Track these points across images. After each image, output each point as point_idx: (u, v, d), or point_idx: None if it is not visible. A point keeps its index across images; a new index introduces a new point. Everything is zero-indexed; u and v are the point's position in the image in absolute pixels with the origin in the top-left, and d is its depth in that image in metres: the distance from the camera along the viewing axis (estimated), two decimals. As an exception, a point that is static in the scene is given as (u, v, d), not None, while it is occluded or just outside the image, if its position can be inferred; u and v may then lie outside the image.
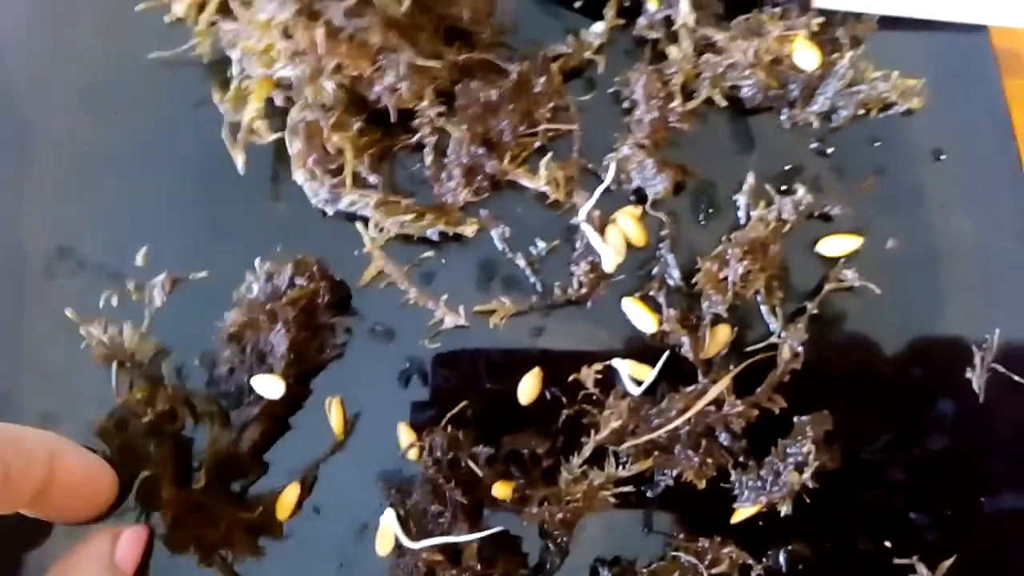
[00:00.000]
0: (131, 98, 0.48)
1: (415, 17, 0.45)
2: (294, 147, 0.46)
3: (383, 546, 0.43)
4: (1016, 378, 0.46)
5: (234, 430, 0.43)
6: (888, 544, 0.45)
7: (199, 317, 0.45)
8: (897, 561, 0.45)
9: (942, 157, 0.50)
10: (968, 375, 0.47)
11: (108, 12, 0.49)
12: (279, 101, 0.46)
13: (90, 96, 0.48)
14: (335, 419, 0.44)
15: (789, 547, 0.45)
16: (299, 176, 0.46)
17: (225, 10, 0.46)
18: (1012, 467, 0.46)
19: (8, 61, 0.48)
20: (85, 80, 0.48)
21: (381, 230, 0.46)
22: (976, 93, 0.50)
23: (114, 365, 0.43)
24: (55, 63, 0.48)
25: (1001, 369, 0.47)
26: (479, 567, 0.41)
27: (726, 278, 0.46)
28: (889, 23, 0.50)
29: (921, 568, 0.44)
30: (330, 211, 0.47)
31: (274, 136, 0.46)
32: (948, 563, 0.44)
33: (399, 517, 0.42)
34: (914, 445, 0.46)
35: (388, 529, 0.42)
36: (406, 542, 0.41)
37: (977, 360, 0.47)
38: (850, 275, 0.47)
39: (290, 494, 0.43)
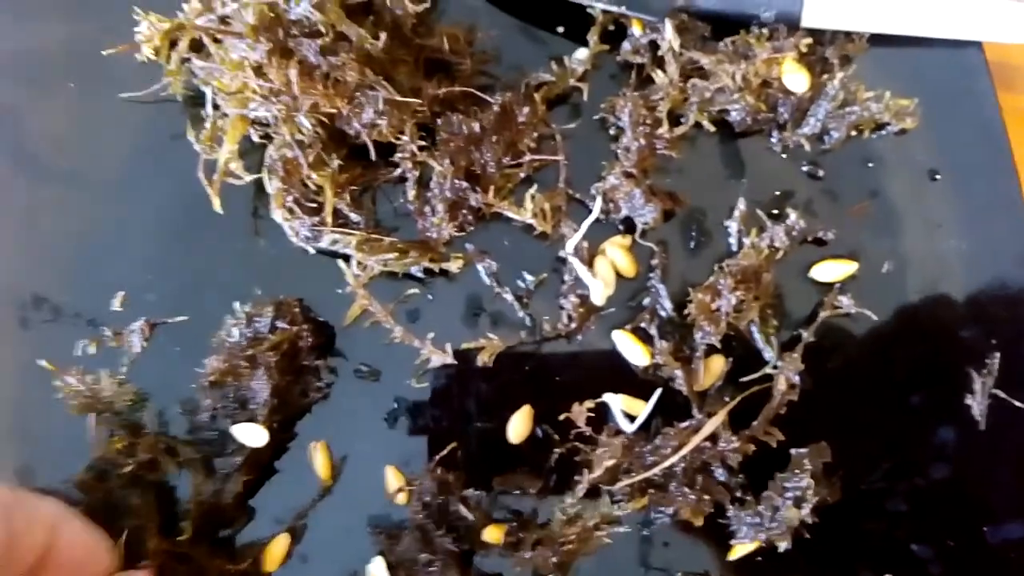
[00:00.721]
0: (105, 138, 0.47)
1: (393, 51, 0.44)
2: (273, 186, 0.44)
3: (372, 596, 0.42)
4: (1017, 404, 0.46)
5: (218, 479, 0.42)
6: (890, 577, 0.44)
7: (179, 362, 0.44)
8: (899, 594, 0.44)
9: (937, 177, 0.49)
10: (968, 401, 0.46)
11: (80, 52, 0.47)
12: (256, 137, 0.45)
13: (64, 138, 0.47)
14: (320, 464, 0.43)
15: (790, 583, 0.44)
16: (278, 215, 0.45)
17: (198, 47, 0.45)
18: (1015, 495, 0.45)
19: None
20: (58, 122, 0.47)
21: (364, 268, 0.45)
22: (971, 110, 0.49)
23: (91, 416, 0.42)
24: (28, 104, 0.47)
25: (1002, 395, 0.46)
26: (471, 618, 0.40)
27: (719, 308, 0.45)
28: (880, 41, 0.49)
29: (924, 601, 0.44)
30: (311, 250, 0.46)
31: (251, 177, 0.44)
32: (951, 596, 0.43)
33: (388, 565, 0.41)
34: (915, 474, 0.45)
35: (378, 577, 0.41)
36: (396, 593, 0.40)
37: (977, 386, 0.46)
38: (846, 301, 0.46)
39: (278, 544, 0.42)
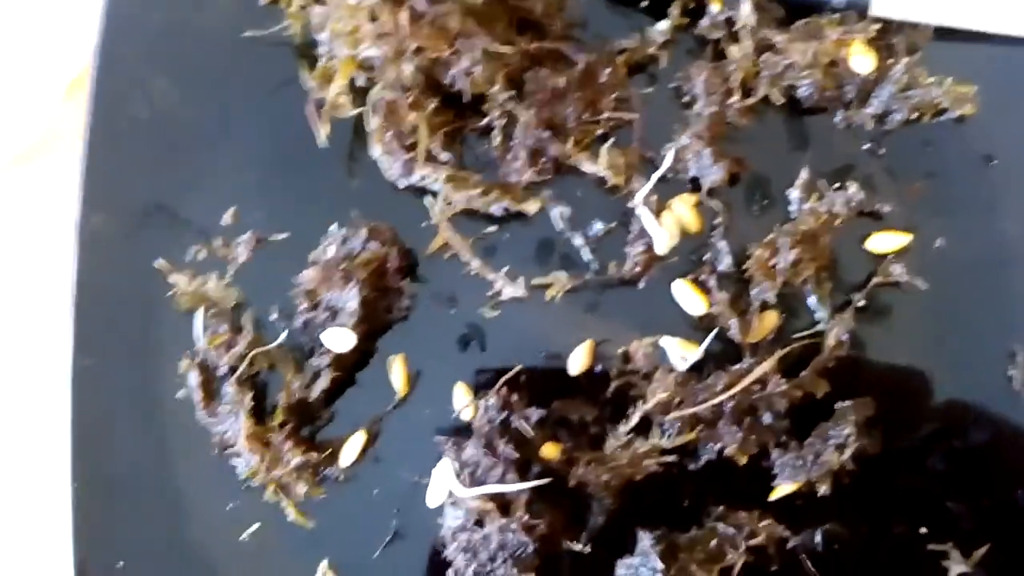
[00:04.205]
0: (226, 73, 0.52)
1: (491, 7, 0.48)
2: (373, 123, 0.49)
3: (435, 497, 0.46)
4: (1058, 378, 0.48)
5: (306, 377, 0.46)
6: (924, 530, 0.46)
7: (278, 274, 0.49)
8: (932, 547, 0.46)
9: (993, 163, 0.51)
10: (1010, 372, 0.48)
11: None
12: (360, 82, 0.50)
13: (190, 69, 0.52)
14: (398, 375, 0.47)
15: (826, 526, 0.46)
16: (377, 150, 0.49)
17: (315, -2, 0.50)
18: (1050, 463, 0.47)
19: (119, 36, 0.52)
20: (187, 54, 0.52)
21: (449, 204, 0.49)
22: (1029, 103, 0.52)
23: (199, 311, 0.47)
24: (160, 39, 0.53)
25: (1043, 367, 0.48)
26: (527, 518, 0.43)
27: (776, 265, 0.48)
28: (945, 33, 0.52)
29: (955, 555, 0.46)
30: (402, 185, 0.50)
31: (355, 111, 0.49)
32: (982, 551, 0.45)
33: (453, 468, 0.45)
34: (954, 437, 0.47)
35: (441, 480, 0.45)
36: (458, 490, 0.44)
37: (1019, 358, 0.48)
38: (898, 271, 0.49)
39: (355, 442, 0.46)
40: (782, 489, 0.46)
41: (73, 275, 0.49)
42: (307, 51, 0.52)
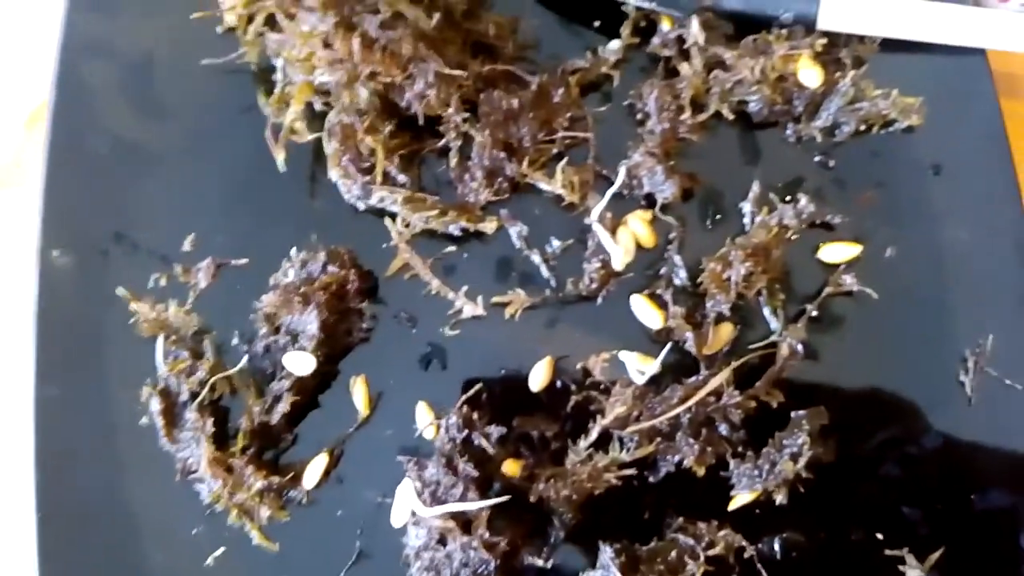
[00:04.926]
0: (185, 100, 0.53)
1: (444, 31, 0.49)
2: (330, 147, 0.50)
3: (399, 517, 0.46)
4: (1007, 382, 0.49)
5: (268, 401, 0.47)
6: (880, 536, 0.47)
7: (239, 299, 0.49)
8: (888, 552, 0.47)
9: (941, 172, 0.52)
10: (961, 378, 0.49)
11: (169, 23, 0.54)
12: (318, 106, 0.51)
13: (148, 98, 0.53)
14: (360, 396, 0.48)
15: (784, 535, 0.47)
16: (334, 174, 0.50)
17: (271, 22, 0.51)
18: (1001, 466, 0.48)
19: (77, 67, 0.53)
20: (145, 83, 0.53)
21: (407, 225, 0.50)
22: (974, 112, 0.53)
23: (160, 337, 0.47)
24: (122, 69, 0.53)
25: (993, 373, 0.49)
26: (487, 535, 0.44)
27: (729, 278, 0.49)
28: (891, 45, 0.53)
29: (911, 560, 0.46)
30: (361, 207, 0.51)
31: (312, 136, 0.50)
32: (936, 555, 0.46)
33: (415, 488, 0.45)
34: (908, 443, 0.48)
35: (405, 499, 0.46)
36: (420, 509, 0.44)
37: (970, 364, 0.49)
38: (849, 280, 0.50)
39: (317, 464, 0.47)
40: (740, 499, 0.47)
41: (34, 305, 0.49)
42: (264, 77, 0.53)
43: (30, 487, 0.47)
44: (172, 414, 0.47)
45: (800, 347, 0.49)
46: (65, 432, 0.48)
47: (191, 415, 0.46)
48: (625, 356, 0.49)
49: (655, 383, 0.48)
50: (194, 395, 0.47)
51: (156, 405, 0.47)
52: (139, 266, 0.50)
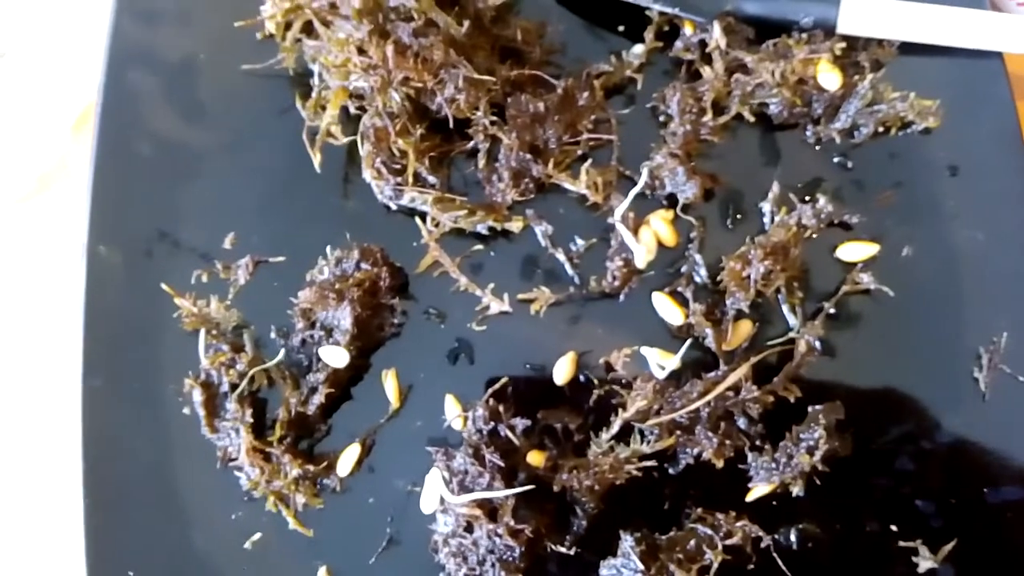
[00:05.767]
0: (226, 105, 0.55)
1: (473, 37, 0.51)
2: (364, 149, 0.52)
3: (428, 505, 0.48)
4: (1021, 379, 0.50)
5: (303, 393, 0.49)
6: (894, 528, 0.48)
7: (276, 296, 0.51)
8: (902, 544, 0.48)
9: (957, 173, 0.53)
10: (976, 375, 0.50)
11: (210, 27, 0.56)
12: (352, 109, 0.53)
13: (191, 102, 0.55)
14: (391, 389, 0.50)
15: (800, 526, 0.49)
16: (368, 175, 0.52)
17: (309, 29, 0.53)
18: (1014, 461, 0.49)
19: (123, 71, 0.55)
20: (189, 88, 0.55)
21: (437, 225, 0.52)
22: (991, 115, 0.54)
23: (202, 332, 0.50)
24: (166, 74, 0.56)
25: (1007, 370, 0.50)
26: (513, 523, 0.45)
27: (748, 276, 0.50)
28: (909, 49, 0.54)
29: (924, 552, 0.48)
30: (393, 207, 0.53)
31: (347, 139, 0.52)
32: (949, 547, 0.48)
33: (443, 477, 0.47)
34: (922, 438, 0.50)
35: (433, 488, 0.48)
36: (448, 497, 0.46)
37: (984, 361, 0.50)
38: (866, 279, 0.51)
39: (350, 453, 0.49)
40: (757, 491, 0.48)
41: (82, 300, 0.51)
42: (301, 82, 0.55)
43: (78, 473, 0.50)
44: (213, 405, 0.49)
45: (818, 344, 0.50)
46: (110, 421, 0.50)
47: (231, 406, 0.49)
48: (646, 352, 0.50)
49: (675, 378, 0.50)
50: (234, 386, 0.49)
51: (198, 396, 0.49)
52: (182, 263, 0.52)
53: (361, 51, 0.49)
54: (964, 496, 0.49)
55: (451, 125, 0.52)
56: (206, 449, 0.50)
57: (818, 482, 0.48)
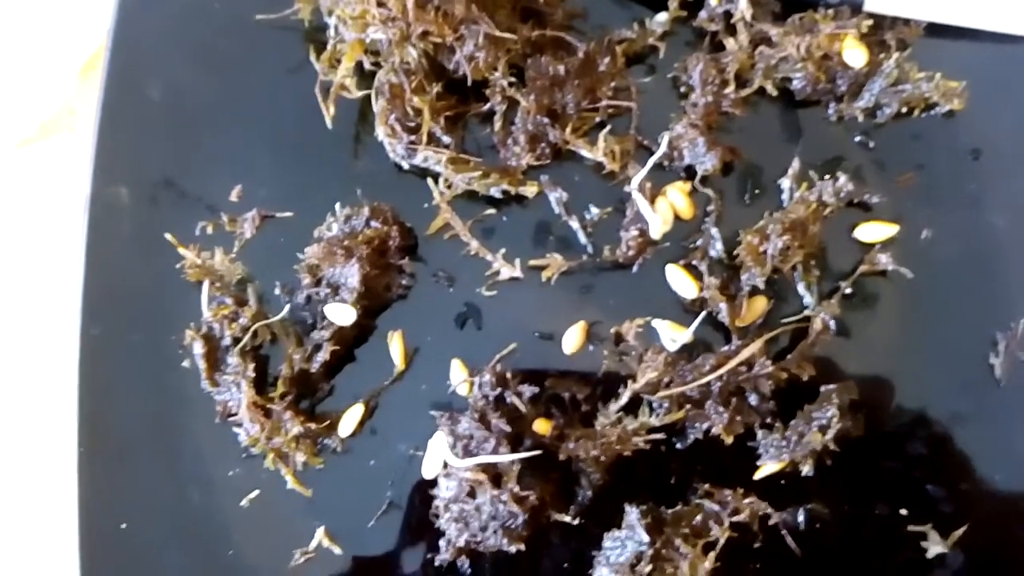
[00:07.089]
0: (238, 55, 0.54)
1: (495, -6, 0.50)
2: (378, 105, 0.51)
3: (430, 469, 0.47)
4: (1038, 366, 0.49)
5: (307, 350, 0.48)
6: (904, 512, 0.48)
7: (282, 251, 0.50)
8: (911, 528, 0.47)
9: (980, 157, 0.53)
10: (991, 361, 0.49)
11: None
12: (367, 65, 0.51)
13: (202, 50, 0.54)
14: (397, 350, 0.49)
15: (808, 506, 0.48)
16: (381, 131, 0.51)
17: (324, -19, 0.52)
18: (1028, 448, 0.48)
19: (133, 17, 0.54)
20: (199, 36, 0.54)
21: (449, 186, 0.51)
22: (1016, 99, 0.53)
23: (205, 283, 0.48)
24: (174, 21, 0.54)
25: (1023, 357, 0.49)
26: (517, 489, 0.44)
27: (765, 252, 0.49)
28: (936, 29, 0.53)
29: (934, 536, 0.47)
30: (405, 165, 0.52)
31: (361, 93, 0.51)
32: (960, 532, 0.47)
33: (448, 441, 0.46)
34: (935, 422, 0.49)
35: (436, 452, 0.47)
36: (453, 460, 0.45)
37: (1001, 347, 0.49)
38: (884, 260, 0.50)
39: (353, 414, 0.48)
40: (766, 468, 0.48)
41: (83, 246, 0.50)
42: (316, 35, 0.53)
43: (72, 423, 0.48)
44: (214, 358, 0.48)
45: (833, 323, 0.49)
46: (109, 370, 0.49)
47: (233, 359, 0.48)
48: (658, 324, 0.50)
49: (687, 352, 0.49)
50: (236, 340, 0.48)
51: (199, 348, 0.48)
52: (187, 213, 0.51)
53: (380, 3, 0.48)
54: (976, 482, 0.48)
55: (469, 83, 0.50)
56: (205, 403, 0.49)
57: (828, 462, 0.47)
